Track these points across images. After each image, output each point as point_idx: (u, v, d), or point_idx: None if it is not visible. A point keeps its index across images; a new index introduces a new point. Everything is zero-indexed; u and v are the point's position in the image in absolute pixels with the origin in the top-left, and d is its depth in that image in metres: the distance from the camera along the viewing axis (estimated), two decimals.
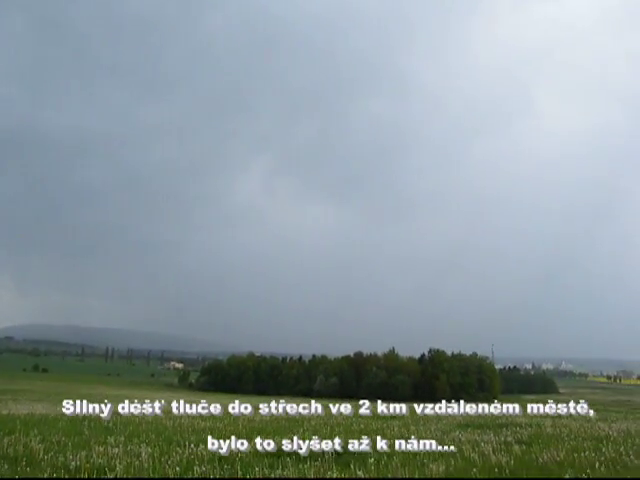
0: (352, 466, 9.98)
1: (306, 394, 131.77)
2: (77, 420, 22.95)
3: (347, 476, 9.13)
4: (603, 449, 12.50)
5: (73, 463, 10.21)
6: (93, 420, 22.82)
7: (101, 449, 12.17)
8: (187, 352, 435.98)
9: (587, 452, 11.87)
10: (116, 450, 12.15)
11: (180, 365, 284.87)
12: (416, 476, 8.88)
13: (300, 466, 10.19)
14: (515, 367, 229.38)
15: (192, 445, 12.88)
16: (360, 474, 8.96)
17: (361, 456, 11.61)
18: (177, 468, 9.99)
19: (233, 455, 11.91)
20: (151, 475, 9.79)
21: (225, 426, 21.11)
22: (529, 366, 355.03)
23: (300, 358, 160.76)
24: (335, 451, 11.90)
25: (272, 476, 9.27)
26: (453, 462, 10.76)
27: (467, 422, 22.91)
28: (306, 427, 20.42)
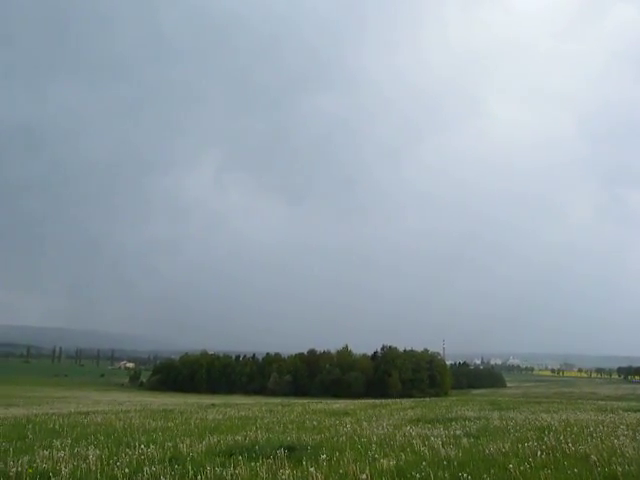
0: (304, 462, 10.03)
1: (260, 392, 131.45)
2: (20, 424, 22.17)
3: (299, 473, 9.17)
4: (545, 438, 13.04)
5: (14, 470, 9.81)
6: (38, 423, 22.10)
7: (46, 453, 11.77)
8: (138, 351, 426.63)
9: (530, 442, 12.33)
10: (62, 453, 11.76)
11: (131, 364, 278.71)
12: (367, 471, 9.01)
13: (252, 464, 10.16)
14: (465, 362, 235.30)
15: (142, 446, 12.62)
16: (312, 470, 9.01)
17: (313, 452, 11.70)
18: (126, 469, 9.76)
19: (184, 455, 11.78)
20: (98, 478, 9.54)
21: (177, 425, 20.82)
22: (478, 361, 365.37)
23: (254, 356, 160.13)
24: (288, 448, 11.94)
25: (224, 475, 9.19)
26: (403, 456, 10.96)
27: (418, 417, 23.39)
28: (259, 425, 20.35)
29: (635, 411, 26.52)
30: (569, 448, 11.44)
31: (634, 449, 11.27)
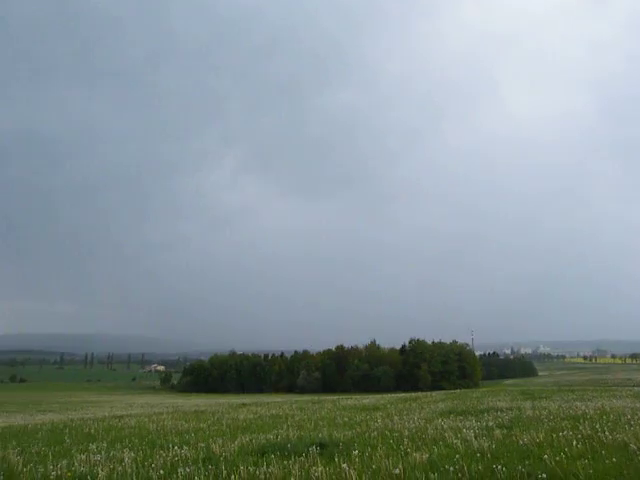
0: (336, 459, 10.02)
1: (289, 390, 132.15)
2: (57, 429, 22.66)
3: (332, 470, 9.16)
4: (580, 427, 12.80)
5: (54, 473, 10.02)
6: (74, 428, 22.57)
7: (83, 457, 11.99)
8: (168, 354, 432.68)
9: (565, 431, 12.13)
10: (98, 457, 11.97)
11: (161, 367, 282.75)
12: (400, 466, 8.95)
13: (285, 462, 10.18)
14: (495, 353, 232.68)
15: (176, 447, 12.78)
16: (345, 467, 8.99)
17: (345, 448, 11.68)
18: (161, 471, 9.88)
19: (217, 455, 11.88)
20: (134, 479, 9.69)
21: (209, 426, 21.02)
22: (508, 351, 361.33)
23: (282, 354, 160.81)
24: (319, 445, 11.95)
25: (257, 474, 9.24)
26: (436, 450, 10.87)
27: (450, 409, 23.20)
28: (290, 423, 20.43)
29: None
30: (606, 437, 11.19)
31: None
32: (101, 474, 9.78)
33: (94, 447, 14.05)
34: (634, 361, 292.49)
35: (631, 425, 13.12)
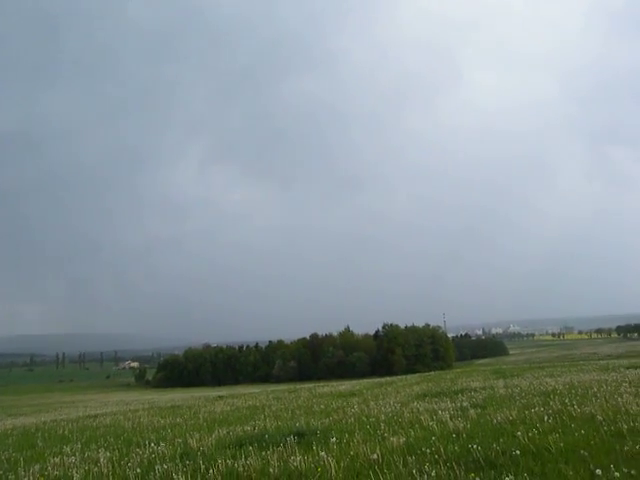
0: (314, 447, 10.06)
1: (265, 380, 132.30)
2: (29, 433, 22.16)
3: (310, 458, 9.19)
4: (550, 402, 13.16)
5: (25, 479, 9.81)
6: (47, 430, 22.11)
7: (57, 460, 11.74)
8: (141, 350, 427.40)
9: (537, 407, 12.44)
10: (73, 459, 11.75)
11: (135, 364, 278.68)
12: (377, 451, 9.04)
13: (263, 453, 10.17)
14: (467, 334, 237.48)
15: (152, 444, 12.61)
16: (323, 454, 9.03)
17: (323, 436, 11.74)
18: (138, 469, 9.74)
19: (195, 450, 11.79)
20: (111, 479, 9.55)
21: (185, 421, 20.86)
22: (480, 332, 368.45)
23: (257, 345, 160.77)
24: (297, 434, 11.97)
25: (235, 467, 9.21)
26: (413, 433, 11.00)
27: (424, 392, 23.51)
28: (267, 413, 20.43)
29: (636, 368, 26.80)
30: (575, 410, 11.55)
31: (638, 405, 11.40)
32: (76, 477, 9.60)
33: (68, 449, 13.80)
34: (599, 336, 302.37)
35: (597, 397, 13.60)
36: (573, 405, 12.08)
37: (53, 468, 10.85)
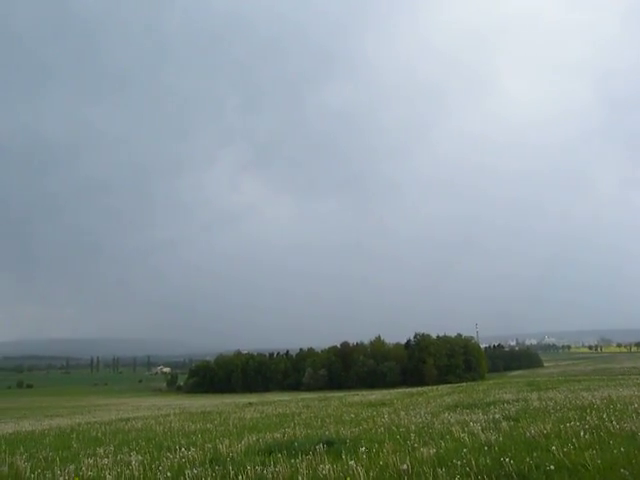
0: (344, 456, 10.00)
1: (295, 388, 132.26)
2: (65, 434, 22.69)
3: (339, 467, 9.14)
4: (587, 417, 12.75)
5: (61, 478, 10.03)
6: (81, 432, 22.60)
7: (90, 461, 11.99)
8: (173, 355, 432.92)
9: (572, 422, 12.09)
10: (105, 461, 11.98)
11: (167, 369, 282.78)
12: (407, 461, 8.93)
13: (292, 461, 10.17)
14: (499, 345, 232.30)
15: (183, 449, 12.77)
16: (352, 463, 8.97)
17: (352, 445, 11.66)
18: (168, 473, 9.86)
19: (224, 455, 11.87)
20: None
21: (216, 427, 21.03)
22: (513, 343, 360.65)
23: (287, 353, 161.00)
24: (326, 442, 11.93)
25: (264, 473, 9.23)
26: (443, 444, 10.84)
27: (456, 403, 23.18)
28: (297, 421, 20.43)
29: None
30: (614, 426, 11.15)
31: None
32: (109, 478, 9.77)
33: (101, 451, 14.05)
34: None
35: (638, 414, 13.09)
36: (612, 421, 11.66)
37: (87, 469, 11.06)
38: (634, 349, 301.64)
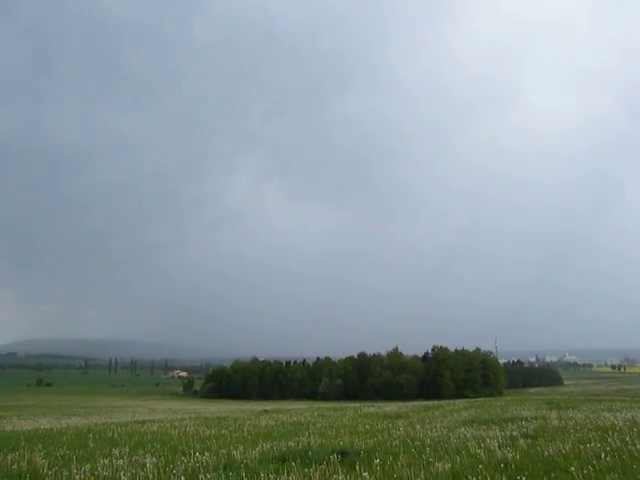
0: (358, 467, 9.93)
1: (311, 397, 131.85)
2: (82, 433, 22.94)
3: (353, 478, 9.08)
4: (609, 439, 12.44)
5: (77, 477, 10.15)
6: (98, 432, 22.83)
7: (106, 461, 12.10)
8: (191, 360, 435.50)
9: (593, 443, 11.80)
10: (121, 462, 12.08)
11: (184, 373, 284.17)
12: (422, 475, 8.83)
13: (306, 470, 10.13)
14: (519, 361, 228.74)
15: (197, 453, 12.81)
16: (366, 475, 8.91)
17: (367, 457, 11.58)
18: (182, 477, 9.92)
19: (238, 462, 11.88)
20: None
21: (230, 432, 21.05)
22: (533, 359, 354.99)
23: (304, 361, 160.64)
24: (341, 453, 11.87)
25: None
26: (459, 459, 10.70)
27: (473, 418, 22.87)
28: (312, 430, 20.35)
29: None
30: (637, 450, 10.85)
31: None
32: (123, 479, 9.86)
33: (117, 452, 14.17)
34: None
35: None
36: (635, 444, 11.35)
37: (102, 469, 11.17)
38: None
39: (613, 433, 13.86)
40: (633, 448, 11.01)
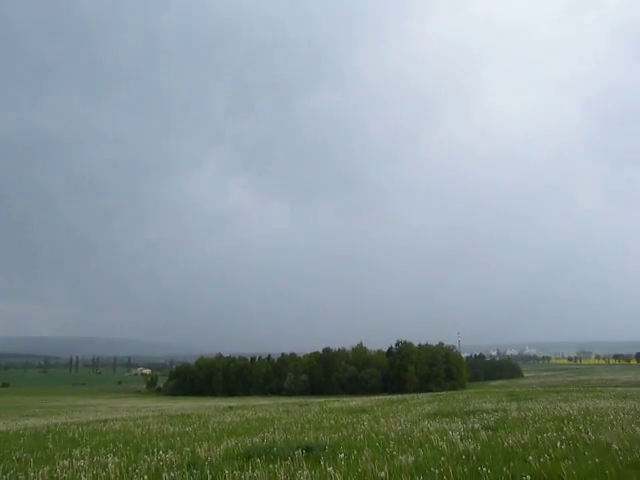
0: (322, 462, 9.99)
1: (276, 392, 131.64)
2: (40, 434, 22.33)
3: (317, 473, 9.13)
4: (564, 428, 12.92)
5: None
6: (58, 433, 22.26)
7: (66, 463, 11.82)
8: (154, 357, 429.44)
9: (550, 432, 12.22)
10: (81, 462, 11.83)
11: (147, 371, 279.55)
12: (385, 469, 8.94)
13: (270, 466, 10.13)
14: (481, 354, 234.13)
15: (160, 452, 12.65)
16: (330, 470, 8.97)
17: (331, 452, 11.66)
18: (145, 476, 9.77)
19: (202, 459, 11.79)
20: None
21: (195, 430, 20.86)
22: (494, 353, 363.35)
23: (269, 357, 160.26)
24: (305, 448, 11.91)
25: (242, 478, 9.18)
26: (422, 452, 10.88)
27: (436, 411, 23.27)
28: (276, 426, 20.35)
29: None
30: (589, 437, 11.31)
31: None
32: None
33: (78, 452, 13.87)
34: (617, 362, 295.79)
35: (614, 426, 13.29)
36: (588, 432, 11.83)
37: (62, 471, 10.92)
38: (612, 361, 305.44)
39: (568, 422, 14.39)
40: (586, 436, 11.46)
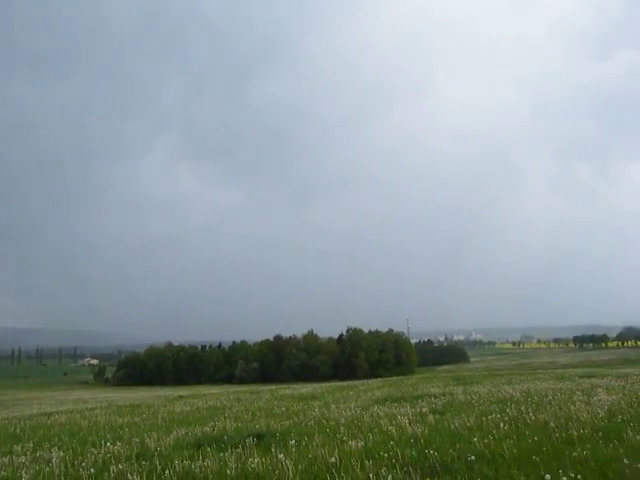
0: (273, 449, 10.03)
1: (227, 381, 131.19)
2: None
3: (268, 460, 9.17)
4: (507, 410, 13.46)
5: None
6: None
7: (5, 460, 11.40)
8: (102, 347, 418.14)
9: (494, 414, 12.72)
10: (23, 459, 11.42)
11: (95, 361, 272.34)
12: (336, 454, 9.08)
13: (221, 455, 10.10)
14: (429, 340, 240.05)
15: (108, 444, 12.36)
16: (281, 457, 9.02)
17: (282, 439, 11.72)
18: (92, 470, 9.53)
19: (152, 450, 11.61)
20: None
21: (144, 420, 20.53)
22: (442, 338, 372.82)
23: (220, 345, 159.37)
24: (256, 436, 11.93)
25: (192, 468, 9.11)
26: (371, 437, 11.09)
27: (385, 397, 23.70)
28: (227, 414, 20.27)
29: (590, 377, 27.72)
30: (529, 417, 11.86)
31: (588, 413, 11.79)
32: (25, 477, 9.34)
33: (19, 448, 13.40)
34: (557, 345, 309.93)
35: (552, 405, 14.03)
36: (528, 412, 12.38)
37: (1, 468, 10.52)
38: (552, 345, 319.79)
39: (511, 404, 15.00)
40: (527, 416, 12.01)
